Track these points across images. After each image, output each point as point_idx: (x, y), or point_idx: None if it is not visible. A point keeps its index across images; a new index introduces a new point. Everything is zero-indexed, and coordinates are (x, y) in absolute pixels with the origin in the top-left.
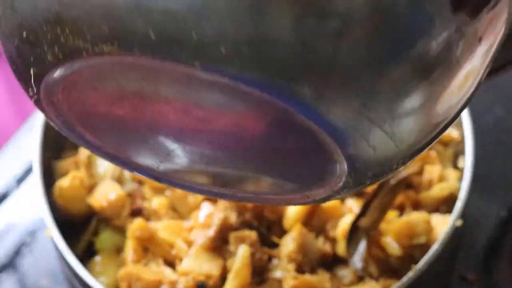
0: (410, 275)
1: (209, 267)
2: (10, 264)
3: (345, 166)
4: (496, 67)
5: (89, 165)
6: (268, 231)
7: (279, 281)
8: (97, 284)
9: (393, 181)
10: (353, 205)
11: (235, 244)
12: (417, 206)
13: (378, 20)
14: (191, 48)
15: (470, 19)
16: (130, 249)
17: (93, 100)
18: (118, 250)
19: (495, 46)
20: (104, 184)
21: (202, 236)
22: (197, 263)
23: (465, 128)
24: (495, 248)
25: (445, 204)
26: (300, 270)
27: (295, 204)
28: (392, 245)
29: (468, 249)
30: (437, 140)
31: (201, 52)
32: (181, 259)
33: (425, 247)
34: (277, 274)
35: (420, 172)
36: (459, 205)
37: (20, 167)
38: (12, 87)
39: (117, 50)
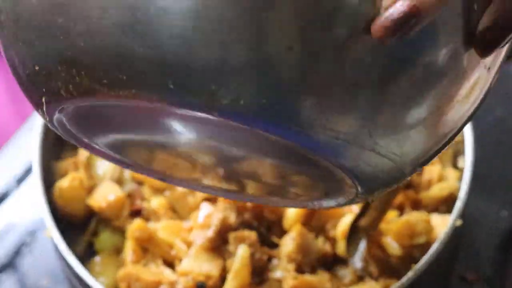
0: (410, 275)
1: (209, 267)
2: (10, 264)
3: (353, 187)
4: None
5: (89, 166)
6: (268, 231)
7: (279, 281)
8: (97, 284)
9: None
10: (353, 205)
11: (235, 244)
12: (417, 206)
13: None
14: (209, 99)
15: (481, 57)
16: (129, 250)
17: (104, 127)
18: (118, 250)
19: (499, 67)
20: (104, 185)
21: (202, 236)
22: (196, 263)
23: (465, 128)
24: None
25: (445, 204)
26: (300, 270)
27: (298, 207)
28: (392, 245)
29: (468, 249)
30: (442, 150)
31: (217, 102)
32: (180, 260)
33: (425, 247)
34: (277, 274)
35: (420, 172)
36: (458, 205)
37: (20, 167)
38: (12, 87)
39: (133, 95)
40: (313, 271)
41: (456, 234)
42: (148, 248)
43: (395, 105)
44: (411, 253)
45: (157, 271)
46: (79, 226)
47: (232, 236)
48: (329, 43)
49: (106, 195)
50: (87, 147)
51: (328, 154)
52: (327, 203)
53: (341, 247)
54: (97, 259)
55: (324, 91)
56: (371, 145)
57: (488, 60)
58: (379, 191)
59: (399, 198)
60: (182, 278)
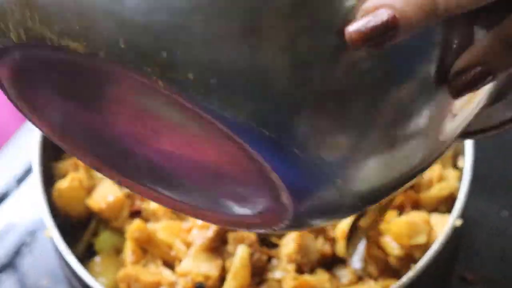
0: (409, 275)
1: (208, 267)
2: (10, 264)
3: (288, 209)
4: (493, 125)
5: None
6: None
7: (279, 282)
8: (97, 284)
9: None
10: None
11: (234, 245)
12: (416, 206)
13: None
14: (158, 67)
15: (453, 97)
16: (129, 250)
17: (46, 89)
18: (118, 251)
19: (468, 118)
20: (103, 185)
21: (201, 236)
22: (195, 263)
23: None
24: None
25: (445, 204)
26: (299, 270)
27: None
28: (392, 245)
29: (468, 249)
30: (399, 190)
31: (168, 72)
32: (180, 260)
33: (425, 247)
34: (277, 274)
35: None
36: (458, 205)
37: (20, 167)
38: None
39: (82, 49)
40: (312, 271)
41: (456, 234)
42: (147, 248)
43: (350, 127)
44: (411, 253)
45: (156, 271)
46: (79, 226)
47: (231, 236)
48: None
49: (105, 196)
50: (22, 109)
51: (265, 155)
52: (254, 221)
53: (340, 248)
54: (97, 259)
55: (275, 83)
56: (315, 162)
57: (459, 108)
58: (313, 218)
59: (399, 198)
60: (181, 278)
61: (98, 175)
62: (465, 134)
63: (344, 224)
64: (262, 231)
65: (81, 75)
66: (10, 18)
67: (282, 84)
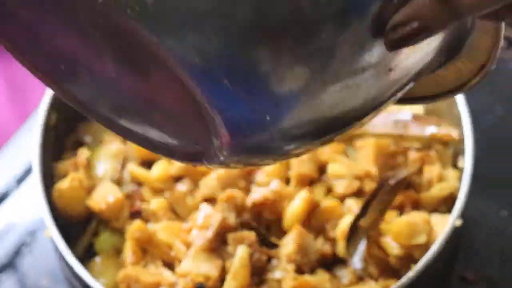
0: (410, 275)
1: (208, 268)
2: (10, 264)
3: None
4: (441, 93)
5: (88, 167)
6: (267, 231)
7: (279, 282)
8: (97, 284)
9: (392, 181)
10: (352, 205)
11: (234, 245)
12: (416, 206)
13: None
14: None
15: (388, 49)
16: (129, 251)
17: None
18: (118, 251)
19: (408, 75)
20: (103, 185)
21: (201, 237)
22: (195, 264)
23: (465, 128)
24: None
25: (445, 204)
26: (299, 270)
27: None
28: (392, 245)
29: (468, 249)
30: (332, 136)
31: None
32: (180, 261)
33: (425, 247)
34: (277, 274)
35: (419, 172)
36: (458, 205)
37: (20, 167)
38: (12, 86)
39: None
40: (312, 271)
41: (456, 234)
42: (147, 249)
43: (281, 60)
44: (411, 253)
45: (156, 272)
46: (79, 227)
47: (231, 236)
48: None
49: (105, 196)
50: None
51: (200, 85)
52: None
53: (340, 248)
54: (97, 259)
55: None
56: (247, 95)
57: (394, 63)
58: (243, 153)
59: (399, 198)
60: (181, 279)
61: (98, 175)
62: (414, 98)
63: (344, 225)
64: (190, 163)
65: None
66: None
67: (216, 14)
